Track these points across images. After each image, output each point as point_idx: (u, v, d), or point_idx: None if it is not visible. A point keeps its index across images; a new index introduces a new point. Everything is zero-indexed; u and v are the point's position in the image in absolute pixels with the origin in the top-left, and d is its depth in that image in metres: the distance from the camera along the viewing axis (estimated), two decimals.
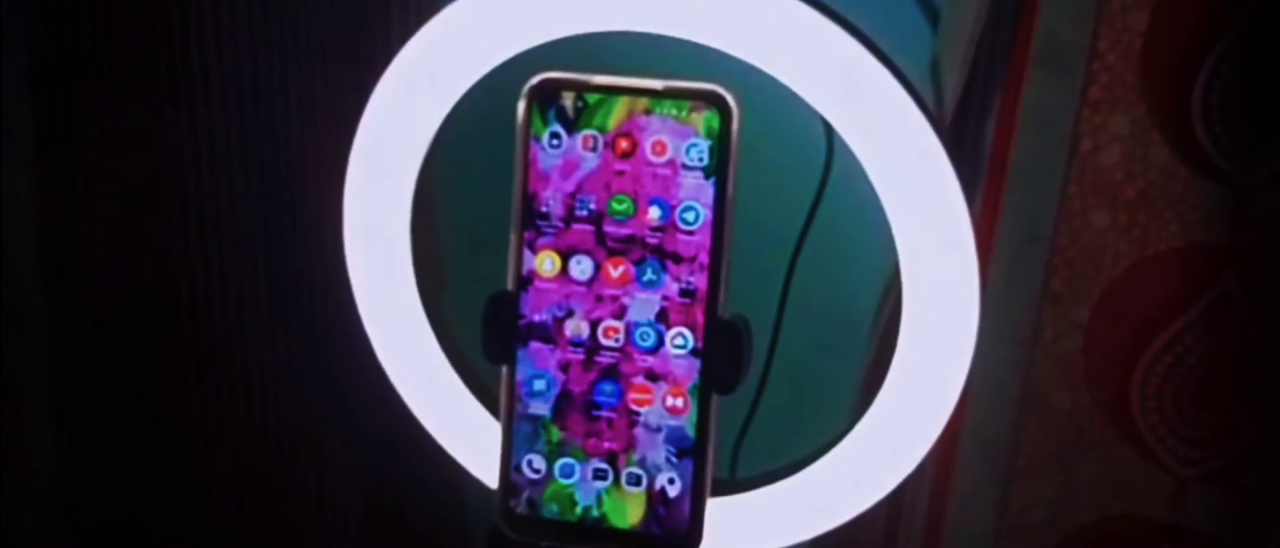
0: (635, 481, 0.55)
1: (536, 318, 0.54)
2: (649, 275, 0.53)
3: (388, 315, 0.64)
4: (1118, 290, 0.76)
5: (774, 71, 0.58)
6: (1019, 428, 0.79)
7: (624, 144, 0.53)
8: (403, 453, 0.84)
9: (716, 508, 0.56)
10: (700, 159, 0.52)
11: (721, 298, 0.53)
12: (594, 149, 0.53)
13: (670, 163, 0.53)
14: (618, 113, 0.53)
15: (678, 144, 0.52)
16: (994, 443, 0.80)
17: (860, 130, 0.58)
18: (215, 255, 0.84)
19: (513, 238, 0.54)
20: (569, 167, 0.53)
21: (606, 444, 0.55)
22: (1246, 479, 0.76)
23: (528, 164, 0.54)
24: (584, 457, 0.55)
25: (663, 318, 0.54)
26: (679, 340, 0.54)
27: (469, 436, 0.64)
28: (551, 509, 0.55)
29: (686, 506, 0.54)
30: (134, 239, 0.84)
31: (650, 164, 0.53)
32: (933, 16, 0.77)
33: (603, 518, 0.55)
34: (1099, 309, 0.77)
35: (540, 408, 0.55)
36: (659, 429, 0.54)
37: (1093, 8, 0.73)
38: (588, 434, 0.55)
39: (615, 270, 0.54)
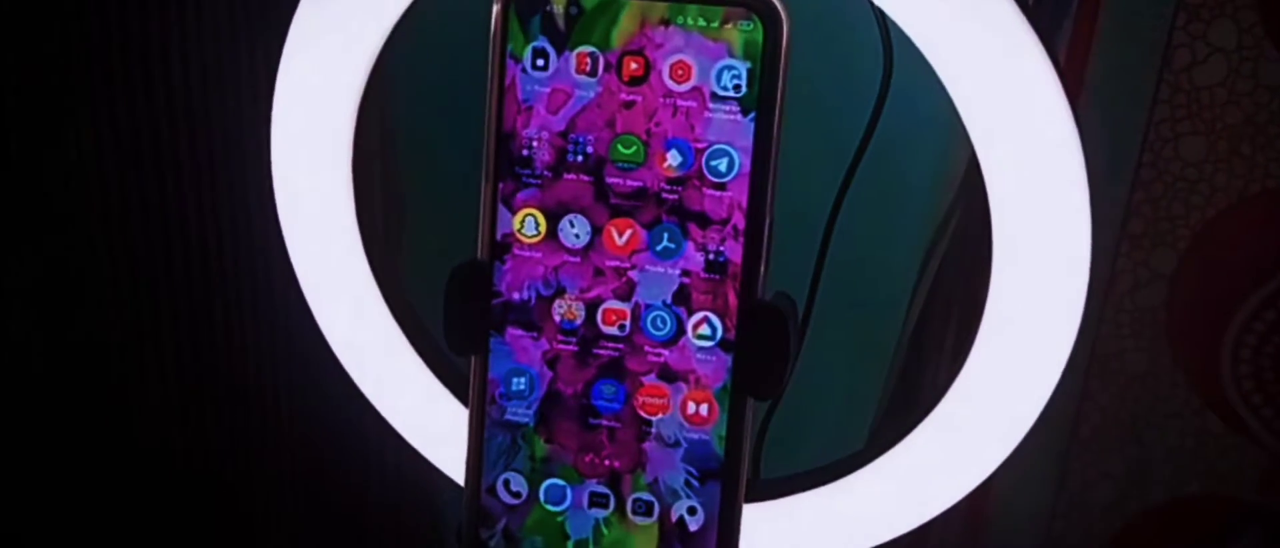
0: (645, 509, 0.42)
1: (515, 296, 0.41)
2: (665, 243, 0.40)
3: (330, 282, 0.50)
4: (1212, 234, 0.64)
5: None
6: (1083, 393, 0.67)
7: (633, 66, 0.39)
8: (359, 447, 0.72)
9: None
10: (736, 87, 0.39)
11: (761, 273, 0.40)
12: (593, 73, 0.40)
13: (695, 91, 0.39)
14: (625, 23, 0.39)
15: (706, 66, 0.39)
16: (1053, 410, 0.67)
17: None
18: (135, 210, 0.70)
19: (484, 191, 0.41)
20: (559, 96, 0.40)
21: (607, 462, 0.42)
22: None
23: (504, 93, 0.40)
24: (578, 478, 0.42)
25: (682, 299, 0.41)
26: (704, 329, 0.41)
27: (435, 427, 0.51)
28: (535, 543, 0.43)
29: (712, 542, 0.42)
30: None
31: (669, 94, 0.39)
32: None
33: None
34: (1188, 256, 0.64)
35: (520, 414, 0.42)
36: (676, 444, 0.42)
37: None
38: (583, 449, 0.42)
39: (620, 236, 0.41)
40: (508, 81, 0.40)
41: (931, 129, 0.56)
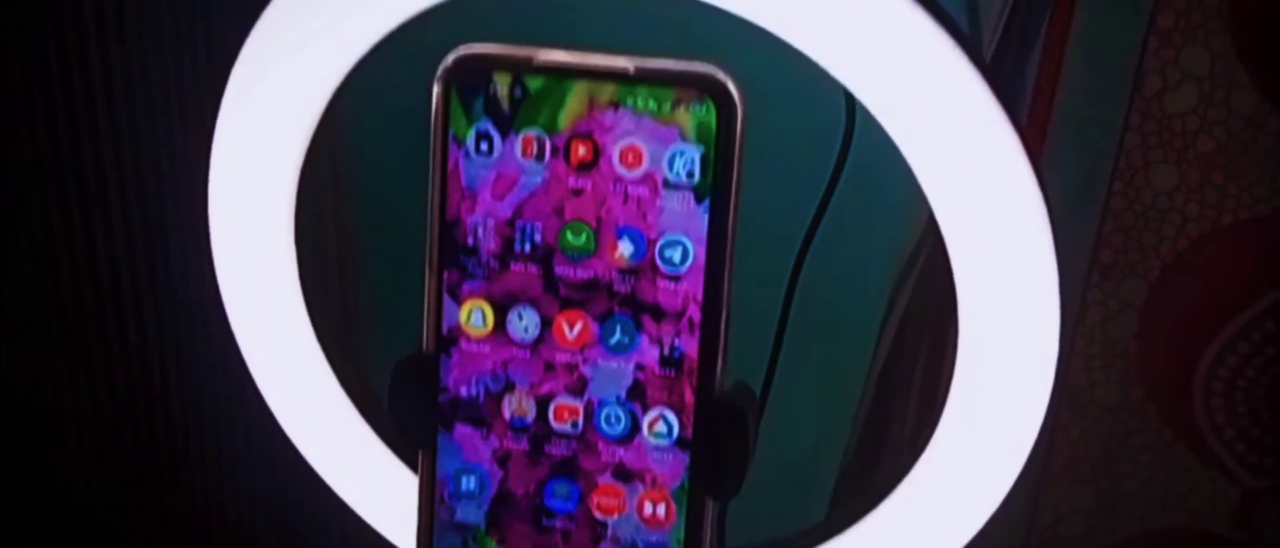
0: None
1: (463, 392, 0.39)
2: (618, 336, 0.38)
3: (274, 348, 0.48)
4: (1184, 265, 0.62)
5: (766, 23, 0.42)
6: (1054, 425, 0.66)
7: (582, 150, 0.37)
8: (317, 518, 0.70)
9: None
10: (689, 173, 0.37)
11: (719, 368, 0.38)
12: (539, 157, 0.37)
13: (647, 178, 0.37)
14: (572, 106, 0.37)
15: (657, 151, 0.37)
16: None
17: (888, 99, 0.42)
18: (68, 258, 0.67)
19: (428, 282, 0.39)
20: (504, 181, 0.38)
21: None
22: None
23: (447, 178, 0.38)
24: None
25: (637, 395, 0.39)
26: (660, 426, 0.39)
27: (388, 497, 0.49)
28: None
29: None
30: None
31: (619, 179, 0.37)
32: None
33: None
34: (1159, 287, 0.63)
35: (471, 514, 0.40)
36: (633, 547, 0.40)
37: None
38: None
39: (571, 329, 0.38)
40: (451, 166, 0.38)
41: (894, 170, 0.54)
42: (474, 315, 0.39)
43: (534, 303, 0.38)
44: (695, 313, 0.38)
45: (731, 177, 0.37)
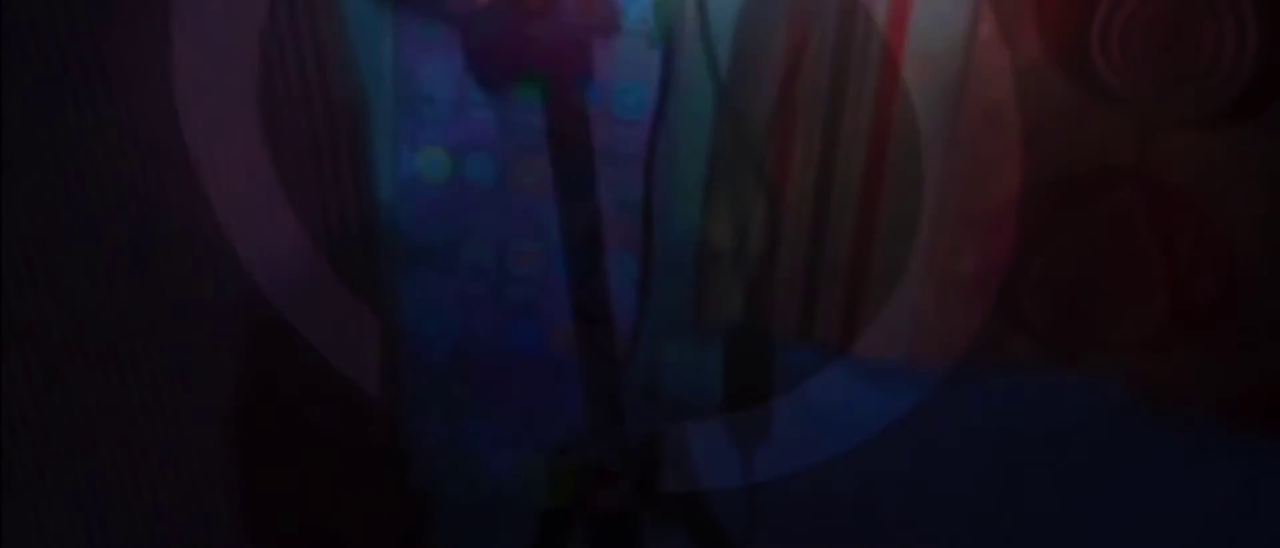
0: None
1: (423, 237, 0.40)
2: (575, 181, 0.39)
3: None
4: None
5: None
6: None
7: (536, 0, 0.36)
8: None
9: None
10: (643, 18, 0.36)
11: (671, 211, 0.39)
12: (494, 7, 0.36)
13: (602, 25, 0.36)
14: None
15: None
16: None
17: None
18: None
19: (387, 130, 0.38)
20: (460, 33, 0.37)
21: (525, 401, 0.42)
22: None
23: (400, 30, 0.37)
24: (495, 417, 0.43)
25: (594, 238, 0.39)
26: (616, 267, 0.40)
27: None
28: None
29: None
30: None
31: (574, 27, 0.36)
32: None
33: None
34: None
35: (435, 355, 0.42)
36: (595, 383, 0.42)
37: None
38: (500, 388, 0.42)
39: (528, 175, 0.39)
40: (406, 16, 0.36)
41: None
42: (432, 163, 0.39)
43: (491, 150, 0.38)
44: (649, 157, 0.38)
45: (685, 21, 0.36)
